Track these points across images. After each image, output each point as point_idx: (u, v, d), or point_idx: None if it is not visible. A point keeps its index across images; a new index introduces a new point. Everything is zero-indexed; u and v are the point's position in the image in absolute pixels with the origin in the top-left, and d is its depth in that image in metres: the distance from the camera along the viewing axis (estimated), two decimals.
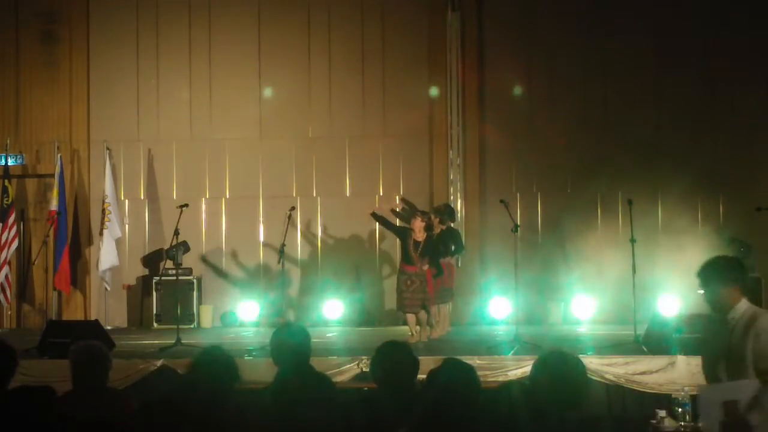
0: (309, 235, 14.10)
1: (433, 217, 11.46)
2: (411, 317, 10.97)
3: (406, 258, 10.94)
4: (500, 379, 8.94)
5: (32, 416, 4.22)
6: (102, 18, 14.31)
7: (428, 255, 10.85)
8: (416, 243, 10.92)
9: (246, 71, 14.20)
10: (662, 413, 8.03)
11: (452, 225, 11.79)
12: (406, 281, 10.90)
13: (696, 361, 9.09)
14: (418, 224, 10.96)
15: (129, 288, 14.18)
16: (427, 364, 4.99)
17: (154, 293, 13.60)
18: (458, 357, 9.18)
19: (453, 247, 11.52)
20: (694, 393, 8.57)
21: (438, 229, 11.37)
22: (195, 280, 13.65)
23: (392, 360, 4.91)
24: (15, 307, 14.03)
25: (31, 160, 14.22)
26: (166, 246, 13.20)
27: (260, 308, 13.44)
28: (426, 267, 10.84)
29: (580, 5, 13.97)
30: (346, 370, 9.01)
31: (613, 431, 4.01)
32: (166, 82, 14.30)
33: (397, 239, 11.31)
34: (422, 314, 10.96)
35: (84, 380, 5.50)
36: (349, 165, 14.11)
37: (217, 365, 4.52)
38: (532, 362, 4.40)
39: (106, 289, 13.81)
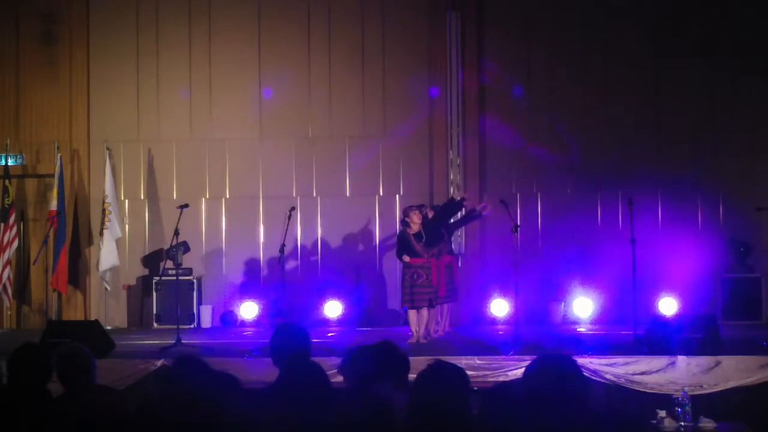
0: (309, 235, 14.09)
1: (429, 210, 11.56)
2: (413, 315, 10.97)
3: (410, 254, 10.95)
4: (500, 379, 8.97)
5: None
6: (102, 18, 14.30)
7: (433, 238, 10.94)
8: (417, 235, 10.97)
9: (246, 71, 14.19)
10: (662, 413, 8.05)
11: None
12: (412, 275, 10.92)
13: (696, 361, 9.12)
14: (418, 217, 11.03)
15: (129, 288, 14.18)
16: (424, 364, 4.98)
17: (154, 293, 13.60)
18: (459, 357, 9.23)
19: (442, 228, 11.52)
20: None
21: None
22: (195, 280, 13.65)
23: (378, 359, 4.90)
24: (15, 307, 14.02)
25: (31, 160, 14.21)
26: (166, 246, 13.20)
27: (260, 308, 13.44)
28: (434, 254, 10.92)
29: (580, 5, 13.96)
30: None
31: (613, 431, 4.02)
32: (166, 82, 14.29)
33: (398, 245, 11.27)
34: (424, 312, 10.97)
35: (72, 381, 5.51)
36: (349, 165, 14.11)
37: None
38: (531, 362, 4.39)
39: (106, 289, 13.81)
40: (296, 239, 13.95)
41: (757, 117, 13.66)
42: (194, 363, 4.38)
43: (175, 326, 11.09)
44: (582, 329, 12.53)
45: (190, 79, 14.26)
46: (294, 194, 14.05)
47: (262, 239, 14.09)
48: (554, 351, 4.53)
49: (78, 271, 14.06)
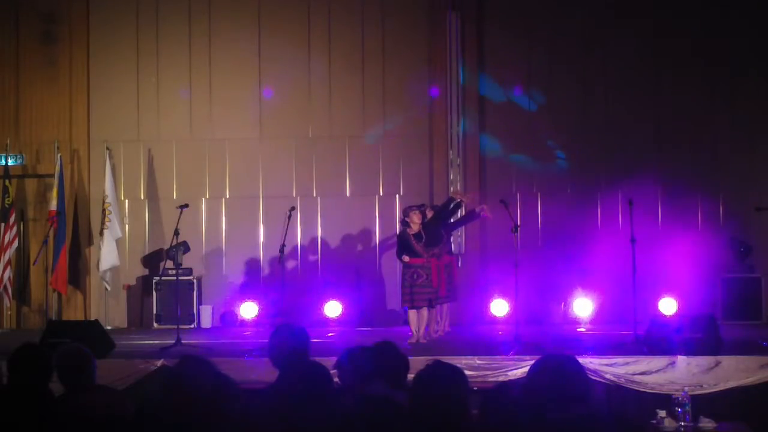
0: (309, 235, 14.09)
1: (429, 210, 11.55)
2: (413, 315, 10.97)
3: (410, 254, 10.95)
4: (500, 379, 8.98)
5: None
6: (102, 18, 14.30)
7: (432, 238, 10.95)
8: (417, 235, 10.97)
9: (246, 71, 14.19)
10: (662, 413, 8.04)
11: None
12: (412, 274, 10.91)
13: (696, 361, 9.12)
14: (418, 217, 11.03)
15: (129, 288, 14.18)
16: (423, 364, 4.98)
17: (154, 293, 13.60)
18: (459, 357, 9.23)
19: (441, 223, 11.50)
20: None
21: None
22: (195, 280, 13.64)
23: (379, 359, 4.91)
24: (15, 307, 14.02)
25: (31, 160, 14.21)
26: (166, 246, 13.20)
27: (260, 308, 13.43)
28: (434, 254, 10.92)
29: (581, 5, 13.96)
30: None
31: (613, 431, 4.02)
32: (166, 81, 14.29)
33: (399, 245, 11.27)
34: (424, 312, 10.96)
35: (72, 381, 5.52)
36: (349, 165, 14.11)
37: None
38: (531, 362, 4.38)
39: (106, 289, 13.81)
40: (296, 239, 13.95)
41: (757, 117, 13.66)
42: (200, 364, 4.39)
43: (175, 326, 11.09)
44: (582, 329, 12.53)
45: (190, 79, 14.27)
46: (294, 194, 14.05)
47: (262, 239, 14.09)
48: (558, 351, 4.52)
49: (78, 271, 14.06)
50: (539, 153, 13.85)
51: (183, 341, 10.68)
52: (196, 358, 4.48)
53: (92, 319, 12.89)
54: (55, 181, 13.61)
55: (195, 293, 13.61)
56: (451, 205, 11.63)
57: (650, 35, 13.78)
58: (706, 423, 7.96)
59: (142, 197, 14.31)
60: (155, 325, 13.46)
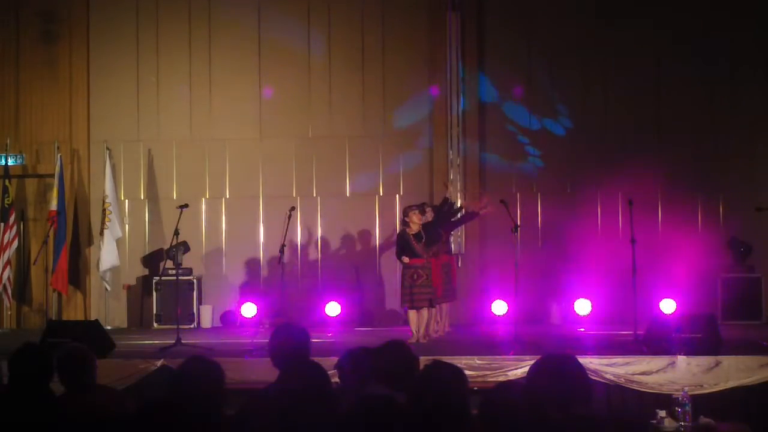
0: (309, 235, 14.09)
1: (429, 210, 11.54)
2: (413, 315, 10.97)
3: (410, 254, 10.95)
4: (500, 379, 8.97)
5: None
6: (102, 18, 14.30)
7: (432, 238, 10.95)
8: (417, 235, 10.97)
9: (246, 70, 14.19)
10: (662, 413, 8.04)
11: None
12: (412, 275, 10.92)
13: (696, 361, 9.12)
14: (418, 217, 11.04)
15: (129, 288, 14.18)
16: (423, 364, 4.98)
17: (154, 293, 13.60)
18: (459, 357, 9.23)
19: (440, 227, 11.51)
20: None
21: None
22: (195, 280, 13.65)
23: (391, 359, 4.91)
24: (15, 307, 14.02)
25: (31, 160, 14.21)
26: (166, 246, 13.20)
27: (260, 308, 13.42)
28: (432, 254, 10.93)
29: (580, 5, 13.96)
30: None
31: (613, 431, 4.02)
32: (166, 81, 14.29)
33: (398, 245, 11.27)
34: (424, 312, 10.96)
35: (73, 381, 5.53)
36: (349, 165, 14.11)
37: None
38: (531, 362, 4.38)
39: (106, 289, 13.81)
40: (296, 239, 13.95)
41: (758, 117, 13.66)
42: (205, 364, 4.38)
43: (175, 326, 11.09)
44: (582, 329, 12.53)
45: (190, 79, 14.27)
46: (294, 194, 14.05)
47: (262, 239, 14.09)
48: (558, 351, 4.51)
49: (78, 271, 14.06)
50: (539, 153, 13.85)
51: (183, 341, 10.67)
52: (202, 359, 4.48)
53: (92, 319, 12.88)
54: (55, 181, 13.61)
55: (195, 293, 13.61)
56: (450, 205, 11.63)
57: (650, 35, 13.77)
58: (706, 423, 7.96)
59: (142, 197, 14.31)
60: (155, 325, 13.46)
